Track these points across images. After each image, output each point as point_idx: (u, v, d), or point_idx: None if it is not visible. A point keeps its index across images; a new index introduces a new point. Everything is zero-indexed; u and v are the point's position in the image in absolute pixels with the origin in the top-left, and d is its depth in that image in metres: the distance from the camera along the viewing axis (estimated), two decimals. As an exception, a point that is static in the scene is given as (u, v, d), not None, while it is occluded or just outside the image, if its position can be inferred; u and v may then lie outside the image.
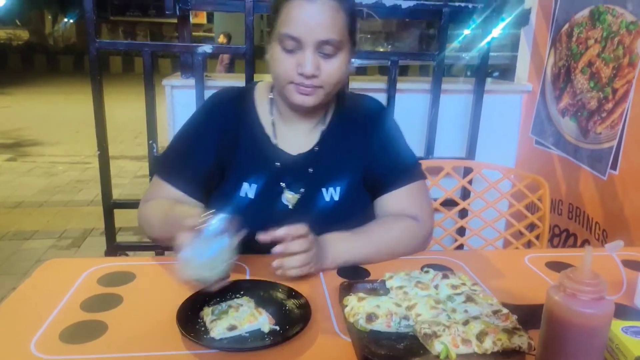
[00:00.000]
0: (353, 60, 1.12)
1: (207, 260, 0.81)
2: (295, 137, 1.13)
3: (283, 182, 1.11)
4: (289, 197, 1.11)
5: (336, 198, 1.11)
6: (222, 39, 8.30)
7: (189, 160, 1.11)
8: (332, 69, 1.02)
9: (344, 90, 1.21)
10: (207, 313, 0.81)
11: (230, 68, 7.42)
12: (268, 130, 1.13)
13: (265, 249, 1.08)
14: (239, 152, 1.11)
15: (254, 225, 1.08)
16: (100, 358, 0.73)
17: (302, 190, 1.11)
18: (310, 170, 1.12)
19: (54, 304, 0.86)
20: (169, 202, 1.04)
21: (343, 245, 1.03)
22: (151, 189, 1.13)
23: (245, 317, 0.79)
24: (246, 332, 0.78)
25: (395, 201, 1.13)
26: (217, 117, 1.12)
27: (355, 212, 1.11)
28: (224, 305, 0.83)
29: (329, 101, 1.11)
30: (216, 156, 1.10)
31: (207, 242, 0.81)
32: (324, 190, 1.12)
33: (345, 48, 1.03)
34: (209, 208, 1.10)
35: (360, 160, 1.14)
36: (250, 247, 1.09)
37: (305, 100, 1.03)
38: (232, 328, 0.78)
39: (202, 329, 0.78)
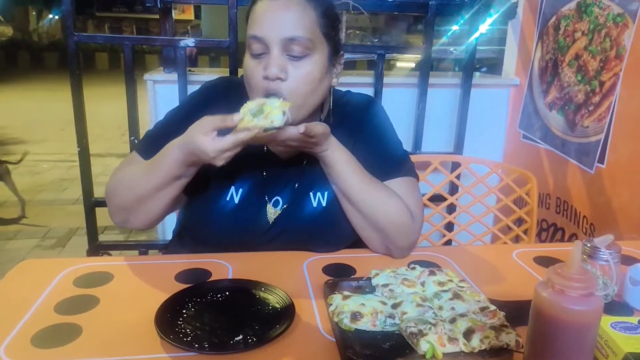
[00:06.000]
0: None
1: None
2: None
3: (267, 195, 1.06)
4: (271, 211, 1.06)
5: (324, 203, 1.07)
6: None
7: (172, 139, 1.02)
8: (301, 73, 0.93)
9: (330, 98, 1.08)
10: (247, 120, 0.84)
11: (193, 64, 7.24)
12: None
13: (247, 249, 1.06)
14: None
15: (235, 231, 1.05)
16: (74, 363, 0.70)
17: (284, 206, 1.06)
18: (296, 185, 1.07)
19: (27, 306, 0.83)
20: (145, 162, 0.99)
21: (345, 162, 1.00)
22: (125, 162, 1.05)
23: (281, 104, 0.85)
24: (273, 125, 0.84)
25: None
26: (212, 105, 1.01)
27: (343, 218, 1.05)
28: (252, 105, 0.86)
29: (317, 107, 1.02)
30: None
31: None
32: (311, 194, 1.07)
33: (319, 51, 0.95)
34: (191, 205, 1.07)
35: None
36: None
37: None
38: (284, 115, 0.85)
39: (182, 331, 0.76)
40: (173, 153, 0.92)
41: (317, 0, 0.95)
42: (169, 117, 1.09)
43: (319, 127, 0.92)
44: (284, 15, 0.92)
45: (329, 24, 0.97)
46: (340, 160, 0.99)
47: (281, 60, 0.92)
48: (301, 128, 0.89)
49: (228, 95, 1.06)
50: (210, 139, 0.85)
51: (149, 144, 1.04)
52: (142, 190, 0.97)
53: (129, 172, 1.01)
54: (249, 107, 0.86)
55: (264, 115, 0.84)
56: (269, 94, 0.93)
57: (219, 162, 0.88)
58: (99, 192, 2.02)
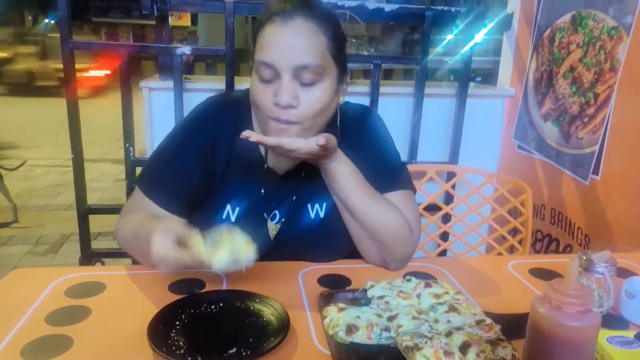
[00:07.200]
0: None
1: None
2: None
3: (266, 211, 1.06)
4: (271, 227, 1.06)
5: (321, 215, 1.07)
6: None
7: (174, 175, 1.01)
8: (312, 99, 0.91)
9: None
10: (198, 245, 0.78)
11: (189, 70, 7.20)
12: (262, 149, 1.05)
13: None
14: (228, 170, 1.03)
15: None
16: (64, 376, 0.69)
17: (282, 219, 1.06)
18: (294, 198, 1.06)
19: (17, 317, 0.81)
20: (145, 216, 0.97)
21: (349, 173, 0.99)
22: (131, 202, 1.05)
23: (243, 246, 0.79)
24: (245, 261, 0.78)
25: None
26: (208, 129, 1.02)
27: (340, 229, 1.05)
28: (213, 234, 0.80)
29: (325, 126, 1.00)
30: (204, 173, 1.01)
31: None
32: (309, 206, 1.07)
33: (329, 75, 0.94)
34: (189, 224, 1.06)
35: None
36: None
37: None
38: (235, 260, 0.77)
39: (174, 343, 0.75)
40: (146, 240, 0.84)
41: (327, 24, 0.93)
42: (167, 148, 1.05)
43: (332, 139, 0.92)
44: (294, 41, 0.90)
45: (338, 46, 0.96)
46: (344, 173, 0.99)
47: (292, 87, 0.90)
48: (321, 140, 0.88)
49: (224, 114, 1.05)
50: (161, 242, 0.78)
51: (153, 183, 1.02)
52: (135, 250, 0.97)
53: (128, 225, 0.98)
54: (215, 236, 0.80)
55: (210, 250, 0.78)
56: (279, 125, 0.92)
57: (158, 268, 0.81)
58: (92, 198, 2.01)
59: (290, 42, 0.90)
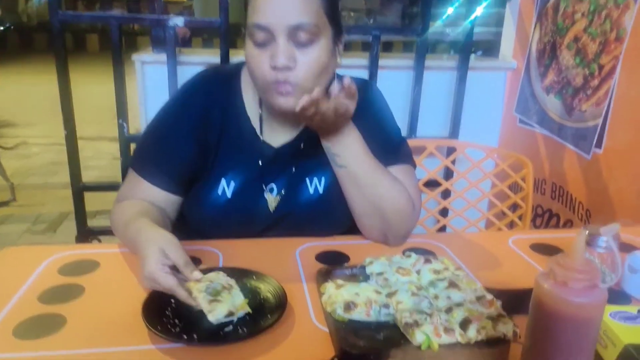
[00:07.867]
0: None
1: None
2: (283, 128, 1.03)
3: (264, 184, 1.03)
4: (270, 199, 1.04)
5: (320, 190, 1.05)
6: None
7: (167, 153, 0.99)
8: (309, 59, 0.90)
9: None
10: (197, 288, 0.75)
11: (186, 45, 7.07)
12: (255, 122, 1.02)
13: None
14: (221, 144, 1.01)
15: (230, 223, 1.03)
16: (57, 355, 0.67)
17: (282, 191, 1.04)
18: (294, 169, 1.04)
19: (9, 296, 0.80)
20: (136, 209, 0.95)
21: (360, 143, 0.97)
22: (126, 185, 1.02)
23: (241, 304, 0.75)
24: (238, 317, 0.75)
25: None
26: (199, 104, 1.00)
27: (340, 204, 1.03)
28: (216, 283, 0.77)
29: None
30: (197, 148, 1.00)
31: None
32: (307, 180, 1.05)
33: (325, 35, 0.92)
34: (185, 203, 1.04)
35: None
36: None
37: (287, 101, 0.90)
38: (230, 314, 0.74)
39: (170, 321, 0.73)
40: (134, 246, 0.85)
41: None
42: (158, 126, 1.03)
43: (352, 83, 0.89)
44: (287, 2, 0.88)
45: (332, 5, 0.94)
46: (356, 141, 0.97)
47: (288, 48, 0.88)
48: (347, 80, 0.86)
49: (214, 88, 1.02)
50: (155, 264, 0.76)
51: (146, 162, 1.00)
52: (125, 243, 0.95)
53: (121, 214, 0.96)
54: (216, 279, 0.78)
55: (212, 299, 0.74)
56: (278, 87, 0.90)
57: (144, 283, 0.79)
58: (89, 176, 1.99)
59: (284, 3, 0.88)
